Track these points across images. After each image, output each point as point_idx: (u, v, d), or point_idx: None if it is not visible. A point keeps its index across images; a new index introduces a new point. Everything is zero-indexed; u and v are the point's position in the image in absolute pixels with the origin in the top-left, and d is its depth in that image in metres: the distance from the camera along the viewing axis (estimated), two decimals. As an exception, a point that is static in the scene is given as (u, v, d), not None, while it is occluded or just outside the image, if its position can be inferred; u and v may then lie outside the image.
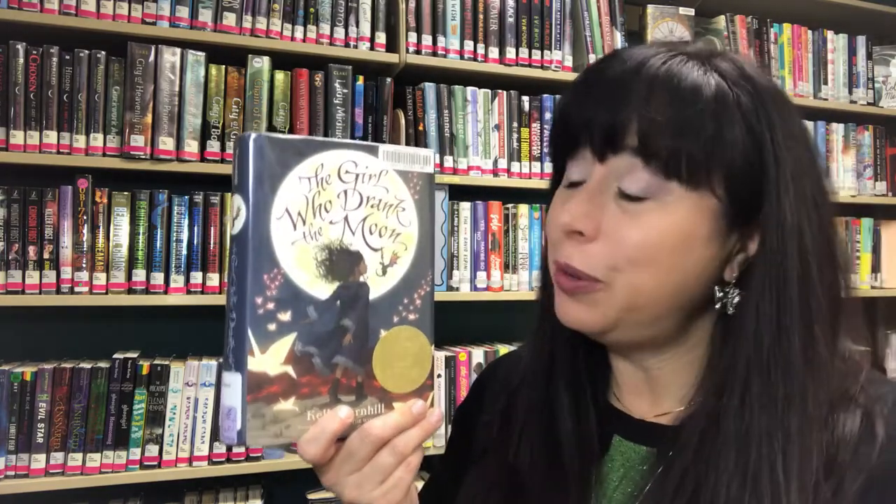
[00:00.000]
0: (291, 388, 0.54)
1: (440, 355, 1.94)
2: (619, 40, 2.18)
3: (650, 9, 2.25)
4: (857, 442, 0.54)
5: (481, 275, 2.01)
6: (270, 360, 0.53)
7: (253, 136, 0.53)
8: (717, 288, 0.59)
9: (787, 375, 0.55)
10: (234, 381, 0.53)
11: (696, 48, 0.59)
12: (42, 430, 1.61)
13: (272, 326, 0.53)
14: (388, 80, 1.92)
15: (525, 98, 2.08)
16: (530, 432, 0.65)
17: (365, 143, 0.58)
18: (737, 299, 0.58)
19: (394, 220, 0.59)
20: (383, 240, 0.58)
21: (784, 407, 0.55)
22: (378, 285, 0.58)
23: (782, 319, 0.55)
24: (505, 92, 2.06)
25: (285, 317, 0.54)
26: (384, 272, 0.58)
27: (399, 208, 0.59)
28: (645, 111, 0.55)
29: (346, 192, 0.56)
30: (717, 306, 0.59)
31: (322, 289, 0.55)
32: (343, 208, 0.56)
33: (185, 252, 1.73)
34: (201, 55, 1.74)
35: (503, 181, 2.04)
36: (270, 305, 0.53)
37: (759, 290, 0.56)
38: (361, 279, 0.57)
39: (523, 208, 2.07)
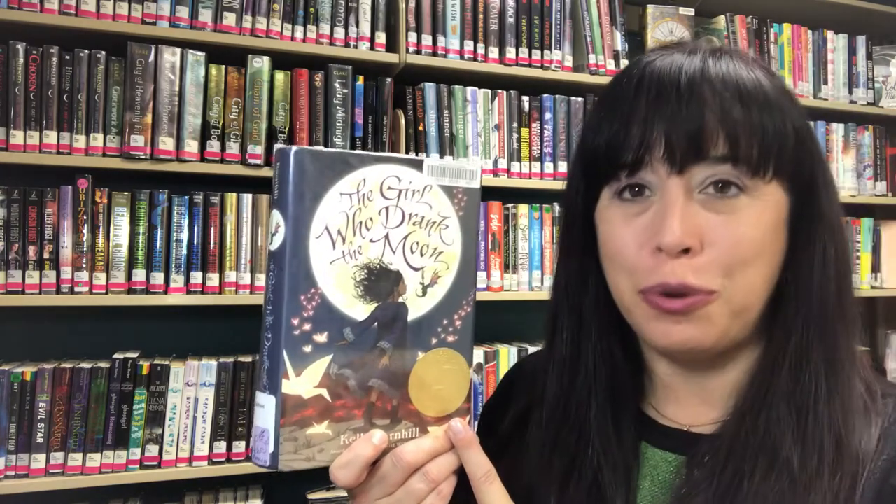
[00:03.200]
0: (325, 411, 0.53)
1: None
2: (619, 40, 2.18)
3: (650, 9, 2.25)
4: (871, 454, 0.54)
5: (481, 275, 2.01)
6: (305, 382, 0.52)
7: (294, 149, 0.51)
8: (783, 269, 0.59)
9: (842, 331, 0.57)
10: (267, 402, 0.52)
11: (712, 45, 0.60)
12: (42, 430, 1.61)
13: (308, 348, 0.52)
14: (388, 80, 1.92)
15: (525, 98, 2.08)
16: (567, 441, 0.63)
17: (409, 157, 0.56)
18: (791, 275, 0.59)
19: (436, 239, 0.56)
20: (425, 259, 0.56)
21: (840, 366, 0.56)
22: (417, 306, 0.56)
23: (839, 279, 0.57)
24: (505, 92, 2.06)
25: (321, 338, 0.52)
26: (424, 292, 0.56)
27: (442, 226, 0.57)
28: (725, 112, 0.54)
29: (387, 208, 0.54)
30: (787, 289, 0.59)
31: (360, 310, 0.54)
32: (384, 226, 0.54)
33: (185, 252, 1.73)
34: (201, 55, 1.74)
35: (503, 181, 2.04)
36: (307, 327, 0.52)
37: (822, 258, 0.58)
38: (400, 300, 0.55)
39: (523, 208, 2.07)
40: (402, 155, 0.49)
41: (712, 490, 0.54)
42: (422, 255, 0.56)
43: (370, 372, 0.54)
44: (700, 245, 0.54)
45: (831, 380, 0.55)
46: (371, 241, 0.54)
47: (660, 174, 0.55)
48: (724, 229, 0.54)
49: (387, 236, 0.54)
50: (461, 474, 0.56)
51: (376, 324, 0.54)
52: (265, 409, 0.52)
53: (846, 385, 0.55)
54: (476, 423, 0.74)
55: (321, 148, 0.53)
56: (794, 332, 0.57)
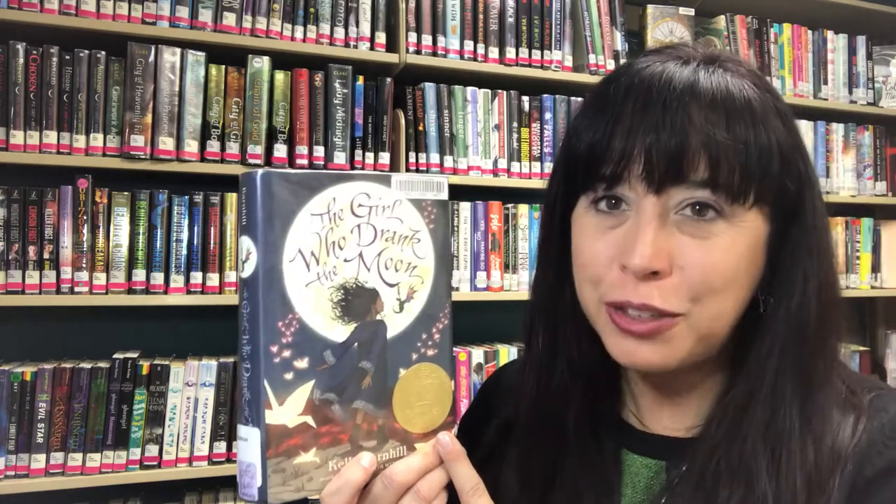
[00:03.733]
0: (311, 438, 0.52)
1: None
2: (619, 40, 2.18)
3: (650, 9, 2.25)
4: (848, 450, 0.54)
5: (481, 275, 2.01)
6: (288, 411, 0.51)
7: (260, 172, 0.50)
8: (759, 293, 0.58)
9: (821, 359, 0.56)
10: (251, 435, 0.51)
11: (708, 53, 0.58)
12: (42, 430, 1.61)
13: (289, 375, 0.51)
14: (388, 80, 1.92)
15: (525, 98, 2.08)
16: (549, 450, 0.63)
17: (377, 173, 0.56)
18: (772, 300, 0.57)
19: (409, 253, 0.56)
20: (399, 274, 0.56)
21: (814, 396, 0.55)
22: (395, 322, 0.55)
23: (813, 311, 0.56)
24: (505, 92, 2.06)
25: (302, 364, 0.51)
26: (401, 308, 0.56)
27: (414, 240, 0.56)
28: (709, 136, 0.52)
29: (359, 226, 0.54)
30: (763, 310, 0.58)
31: (339, 331, 0.53)
32: (357, 244, 0.54)
33: (185, 252, 1.73)
34: (201, 55, 1.74)
35: (503, 181, 2.04)
36: (286, 353, 0.51)
37: (799, 287, 0.56)
38: (378, 317, 0.55)
39: (523, 208, 2.07)
40: (370, 172, 0.49)
41: (687, 498, 0.55)
42: (396, 270, 0.56)
43: (353, 394, 0.53)
44: (669, 268, 0.53)
45: (808, 405, 0.55)
46: (345, 260, 0.53)
47: (637, 191, 0.54)
48: (696, 254, 0.53)
49: (361, 254, 0.54)
50: (450, 489, 0.56)
51: (356, 344, 0.54)
52: (249, 443, 0.51)
53: (822, 407, 0.55)
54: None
55: (288, 170, 0.52)
56: (771, 355, 0.56)
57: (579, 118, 0.59)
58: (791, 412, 0.55)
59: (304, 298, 0.51)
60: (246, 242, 0.51)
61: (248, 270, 0.51)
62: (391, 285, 0.55)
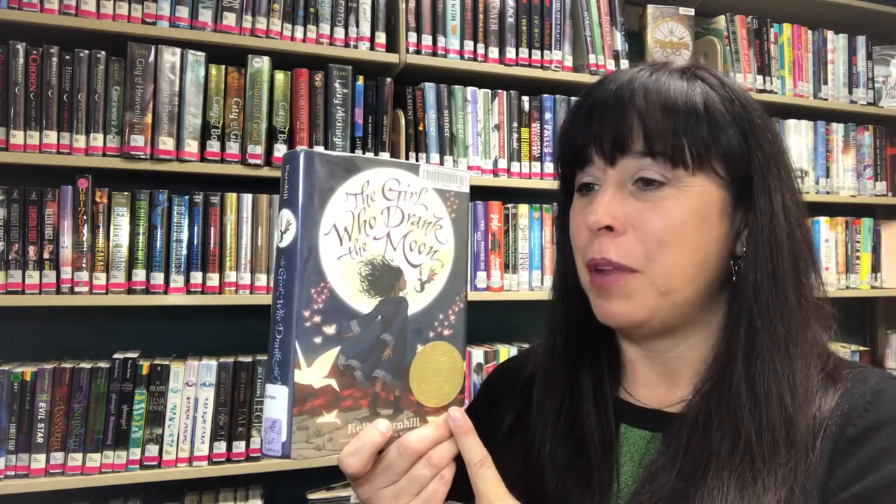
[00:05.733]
0: (334, 401, 0.56)
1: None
2: (619, 40, 2.18)
3: (650, 9, 2.25)
4: (831, 414, 0.60)
5: (481, 275, 2.01)
6: (316, 372, 0.55)
7: (304, 151, 0.54)
8: (732, 262, 0.65)
9: (785, 318, 0.61)
10: (279, 393, 0.54)
11: (677, 65, 0.67)
12: (42, 430, 1.61)
13: (318, 339, 0.55)
14: (388, 80, 1.92)
15: (525, 98, 2.08)
16: (554, 427, 0.69)
17: (407, 161, 0.61)
18: (741, 266, 0.64)
19: (432, 238, 0.61)
20: (422, 256, 0.60)
21: (786, 350, 0.60)
22: (416, 301, 0.60)
23: (776, 269, 0.62)
24: (505, 92, 2.06)
25: (330, 330, 0.56)
26: (422, 288, 0.60)
27: (437, 226, 0.62)
28: (644, 115, 0.62)
29: (388, 208, 0.59)
30: (735, 278, 0.64)
31: (364, 303, 0.57)
32: (386, 224, 0.58)
33: (185, 252, 1.73)
34: (201, 55, 1.74)
35: (503, 181, 2.04)
36: (317, 319, 0.55)
37: (755, 248, 0.63)
38: (401, 294, 0.59)
39: (523, 208, 2.07)
40: (401, 160, 0.59)
41: (677, 466, 0.60)
42: (419, 252, 0.60)
43: (375, 363, 0.58)
44: (623, 227, 0.62)
45: (783, 365, 0.60)
46: (374, 238, 0.58)
47: (599, 167, 0.65)
48: (646, 215, 0.62)
49: (388, 234, 0.58)
50: (457, 463, 0.60)
51: (380, 317, 0.58)
52: (276, 400, 0.54)
53: (798, 368, 0.60)
54: None
55: (328, 151, 0.57)
56: (742, 321, 0.62)
57: (562, 127, 0.71)
58: (770, 364, 0.60)
59: (335, 269, 0.56)
60: (286, 215, 0.55)
61: (286, 241, 0.55)
62: (414, 266, 0.60)
